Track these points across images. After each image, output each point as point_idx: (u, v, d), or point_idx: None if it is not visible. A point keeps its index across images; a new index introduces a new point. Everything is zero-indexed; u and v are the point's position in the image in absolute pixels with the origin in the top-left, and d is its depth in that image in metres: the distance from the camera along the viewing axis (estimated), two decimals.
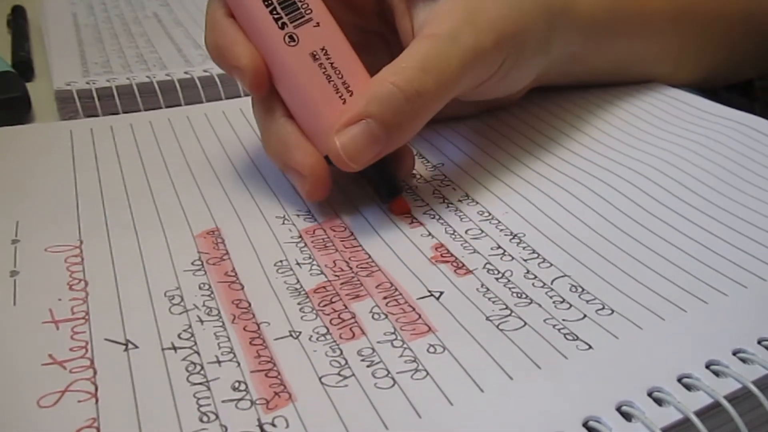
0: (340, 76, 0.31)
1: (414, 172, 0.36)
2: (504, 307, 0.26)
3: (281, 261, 0.29)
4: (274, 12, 0.31)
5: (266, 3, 0.31)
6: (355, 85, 0.31)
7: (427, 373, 0.23)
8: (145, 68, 0.48)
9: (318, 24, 0.31)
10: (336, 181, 0.34)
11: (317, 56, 0.31)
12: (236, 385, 0.23)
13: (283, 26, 0.31)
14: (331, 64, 0.31)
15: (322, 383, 0.23)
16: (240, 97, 0.45)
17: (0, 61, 0.48)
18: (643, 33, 0.41)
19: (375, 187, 0.33)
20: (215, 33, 0.32)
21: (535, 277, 0.28)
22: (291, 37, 0.31)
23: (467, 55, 0.31)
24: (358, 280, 0.28)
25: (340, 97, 0.31)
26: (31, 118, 0.44)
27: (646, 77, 0.43)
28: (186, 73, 0.46)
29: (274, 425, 0.21)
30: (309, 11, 0.31)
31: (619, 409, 0.21)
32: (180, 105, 0.44)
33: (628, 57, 0.42)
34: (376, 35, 0.37)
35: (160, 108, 0.44)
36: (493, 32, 0.32)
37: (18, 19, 0.60)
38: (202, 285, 0.27)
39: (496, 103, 0.41)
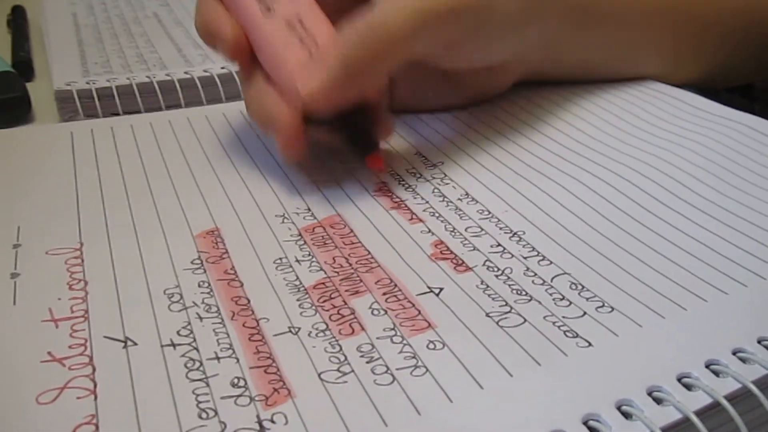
0: (313, 41, 0.33)
1: (413, 170, 0.36)
2: (504, 303, 0.26)
3: (280, 258, 0.29)
4: None
5: None
6: None
7: (427, 370, 0.23)
8: (145, 68, 0.48)
9: None
10: (336, 178, 0.34)
11: (292, 23, 0.33)
12: (235, 381, 0.23)
13: None
14: (305, 29, 0.33)
15: (321, 379, 0.23)
16: (239, 95, 0.45)
17: (0, 61, 0.48)
18: (630, 24, 0.41)
19: (352, 144, 0.34)
20: (202, 13, 0.35)
21: (535, 274, 0.28)
22: (267, 8, 0.34)
23: (421, 12, 0.32)
24: (358, 276, 0.28)
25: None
26: (31, 118, 0.44)
27: (640, 74, 0.43)
28: (186, 73, 0.46)
29: (273, 421, 0.21)
30: None
31: (618, 408, 0.21)
32: (180, 105, 0.44)
33: (615, 49, 0.42)
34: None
35: (160, 108, 0.44)
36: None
37: (18, 19, 0.60)
38: (201, 283, 0.27)
39: (483, 93, 0.41)
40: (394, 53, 0.33)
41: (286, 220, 0.32)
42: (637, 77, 0.43)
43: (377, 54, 0.32)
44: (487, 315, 0.25)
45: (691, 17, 0.42)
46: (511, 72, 0.40)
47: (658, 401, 0.22)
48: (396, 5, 0.32)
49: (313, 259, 0.29)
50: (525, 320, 0.25)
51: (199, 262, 0.29)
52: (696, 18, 0.42)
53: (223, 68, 0.46)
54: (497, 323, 0.25)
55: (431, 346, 0.24)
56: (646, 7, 0.41)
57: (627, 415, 0.21)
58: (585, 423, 0.21)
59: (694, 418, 0.21)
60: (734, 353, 0.23)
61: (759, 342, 0.24)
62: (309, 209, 0.32)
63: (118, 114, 0.43)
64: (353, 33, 0.32)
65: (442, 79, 0.39)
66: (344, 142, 0.34)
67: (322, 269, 0.28)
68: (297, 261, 0.29)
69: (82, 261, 0.29)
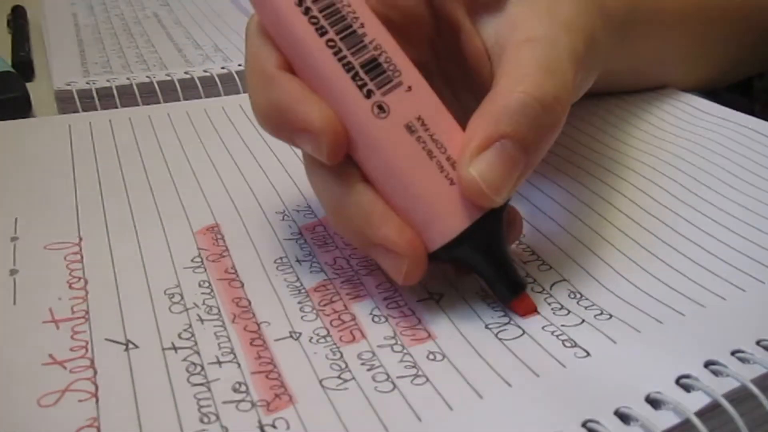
0: (443, 151, 0.25)
1: None
2: (503, 314, 0.26)
3: (281, 258, 0.29)
4: (357, 78, 0.25)
5: (346, 67, 0.25)
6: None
7: (427, 379, 0.23)
8: (145, 68, 0.48)
9: (410, 88, 0.25)
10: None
11: (413, 128, 0.25)
12: (237, 386, 0.23)
13: (369, 94, 0.25)
14: (431, 136, 0.25)
15: (322, 386, 0.23)
16: (239, 93, 0.45)
17: (0, 61, 0.48)
18: (659, 32, 0.40)
19: (494, 284, 0.27)
20: (272, 90, 0.25)
21: (534, 281, 0.28)
22: (380, 107, 0.25)
23: (572, 56, 0.27)
24: (359, 279, 0.28)
25: (445, 176, 0.25)
26: (32, 117, 0.44)
27: (660, 81, 0.43)
28: (186, 73, 0.46)
29: (274, 427, 0.21)
30: (398, 73, 0.25)
31: (617, 413, 0.21)
32: None
33: (644, 57, 0.41)
34: (423, 68, 0.28)
35: None
36: (581, 33, 0.28)
37: (18, 19, 0.60)
38: (201, 282, 0.27)
39: None
40: (569, 103, 0.27)
41: (286, 218, 0.32)
42: (655, 85, 0.43)
43: (563, 109, 0.26)
44: (486, 326, 0.25)
45: (699, 17, 0.42)
46: None
47: (657, 406, 0.21)
48: (548, 51, 0.26)
49: (314, 260, 0.29)
50: (523, 332, 0.25)
51: (199, 260, 0.29)
52: (703, 17, 0.42)
53: (223, 68, 0.46)
54: (496, 335, 0.25)
55: (431, 356, 0.24)
56: (669, 10, 0.40)
57: (625, 421, 0.21)
58: (584, 425, 0.21)
59: (695, 420, 0.21)
60: (733, 354, 0.23)
61: (757, 344, 0.24)
62: (309, 206, 0.32)
63: None
64: (531, 89, 0.25)
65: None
66: (486, 283, 0.27)
67: (322, 270, 0.28)
68: (298, 261, 0.29)
69: (82, 258, 0.29)
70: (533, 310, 0.26)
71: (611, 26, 0.33)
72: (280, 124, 0.26)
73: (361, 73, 0.25)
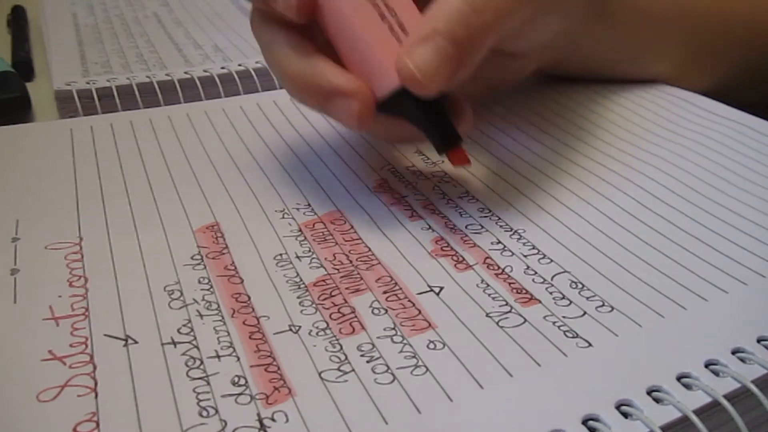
0: (393, 15, 0.30)
1: (414, 167, 0.36)
2: (504, 303, 0.26)
3: (281, 254, 0.29)
4: None
5: None
6: (409, 24, 0.30)
7: (427, 369, 0.23)
8: (145, 68, 0.48)
9: None
10: (335, 173, 0.34)
11: (374, 1, 0.30)
12: (236, 379, 0.23)
13: None
14: (386, 3, 0.30)
15: (321, 378, 0.23)
16: (239, 95, 0.45)
17: (0, 61, 0.48)
18: (646, 23, 0.41)
19: (432, 135, 0.30)
20: None
21: (535, 273, 0.28)
22: None
23: None
24: (358, 274, 0.28)
25: (395, 37, 0.29)
26: (31, 118, 0.44)
27: (649, 75, 0.43)
28: (186, 73, 0.46)
29: (273, 420, 0.21)
30: None
31: (618, 408, 0.21)
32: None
33: (629, 47, 0.42)
34: None
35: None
36: None
37: (18, 19, 0.60)
38: (201, 279, 0.27)
39: (501, 80, 0.41)
40: (506, 14, 0.30)
41: (286, 216, 0.32)
42: (645, 79, 0.43)
43: (495, 16, 0.30)
44: (487, 315, 0.25)
45: (703, 23, 0.42)
46: (531, 60, 0.39)
47: (657, 401, 0.21)
48: None
49: (314, 256, 0.29)
50: (525, 320, 0.25)
51: (199, 257, 0.29)
52: (707, 24, 0.42)
53: (222, 68, 0.46)
54: (497, 323, 0.25)
55: (431, 345, 0.24)
56: (662, 7, 0.41)
57: (626, 415, 0.21)
58: (584, 423, 0.21)
59: (694, 418, 0.21)
60: (734, 353, 0.23)
61: (759, 341, 0.24)
62: (309, 204, 0.32)
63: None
64: (455, 10, 0.29)
65: None
66: (424, 135, 0.31)
67: (322, 266, 0.28)
68: (297, 257, 0.29)
69: (82, 256, 0.29)
70: (466, 161, 0.30)
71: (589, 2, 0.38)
72: None
73: None
